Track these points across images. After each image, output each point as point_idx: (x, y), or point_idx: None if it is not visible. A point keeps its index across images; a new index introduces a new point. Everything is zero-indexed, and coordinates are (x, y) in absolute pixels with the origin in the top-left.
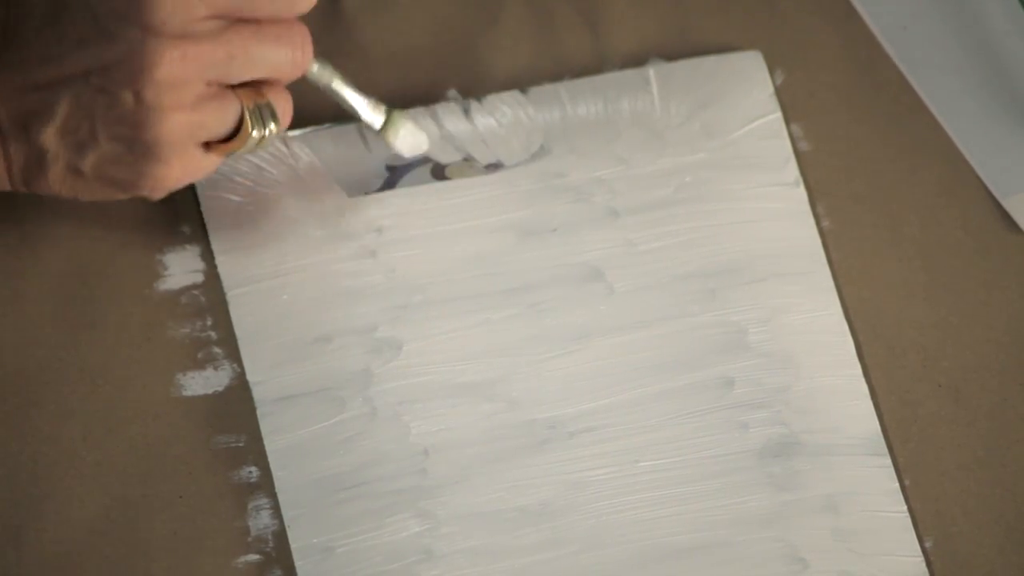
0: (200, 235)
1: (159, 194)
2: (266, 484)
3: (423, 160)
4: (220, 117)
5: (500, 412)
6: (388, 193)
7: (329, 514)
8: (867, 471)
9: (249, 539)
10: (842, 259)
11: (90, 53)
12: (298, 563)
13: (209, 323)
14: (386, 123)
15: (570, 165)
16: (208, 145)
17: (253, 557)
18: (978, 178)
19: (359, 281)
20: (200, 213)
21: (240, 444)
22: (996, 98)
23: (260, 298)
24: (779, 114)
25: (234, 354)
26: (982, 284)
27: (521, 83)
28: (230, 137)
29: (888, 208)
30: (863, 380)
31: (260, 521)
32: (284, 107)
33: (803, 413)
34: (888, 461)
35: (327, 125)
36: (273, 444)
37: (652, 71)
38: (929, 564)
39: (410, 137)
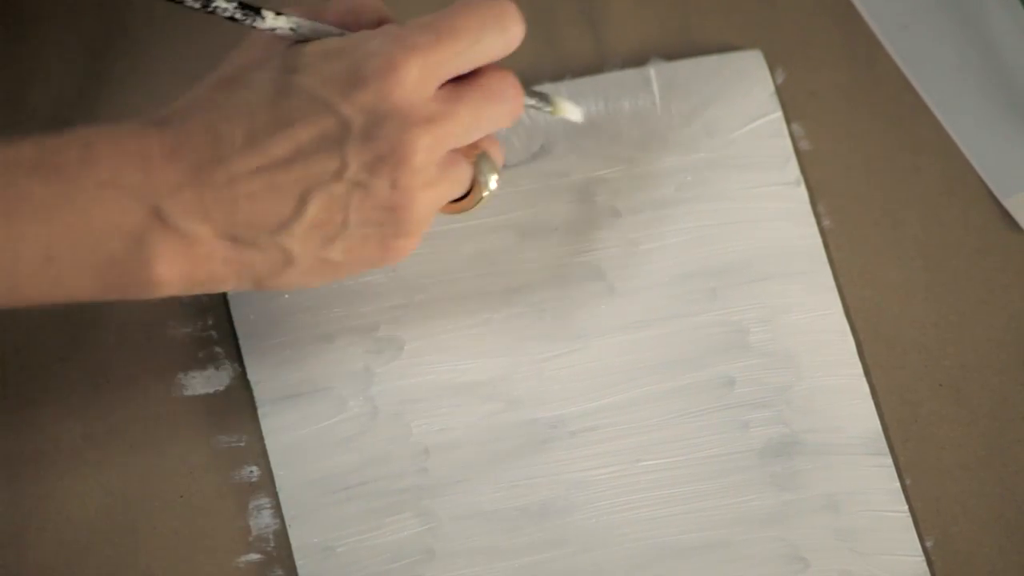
0: None
1: (397, 261)
2: (267, 483)
3: None
4: (458, 183)
5: (501, 412)
6: None
7: (330, 513)
8: (868, 470)
9: (250, 538)
10: (843, 258)
11: (347, 151)
12: (299, 562)
13: (210, 322)
14: (552, 106)
15: (571, 164)
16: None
17: (254, 556)
18: (979, 177)
19: (360, 280)
20: None
21: (241, 443)
22: (997, 97)
23: (261, 297)
24: (780, 113)
25: (235, 353)
26: (983, 284)
27: (522, 82)
28: (461, 197)
29: (889, 207)
30: (864, 379)
31: (261, 520)
32: (496, 154)
33: (804, 412)
34: (889, 460)
35: None
36: (274, 443)
37: (653, 71)
38: (930, 563)
39: (571, 108)
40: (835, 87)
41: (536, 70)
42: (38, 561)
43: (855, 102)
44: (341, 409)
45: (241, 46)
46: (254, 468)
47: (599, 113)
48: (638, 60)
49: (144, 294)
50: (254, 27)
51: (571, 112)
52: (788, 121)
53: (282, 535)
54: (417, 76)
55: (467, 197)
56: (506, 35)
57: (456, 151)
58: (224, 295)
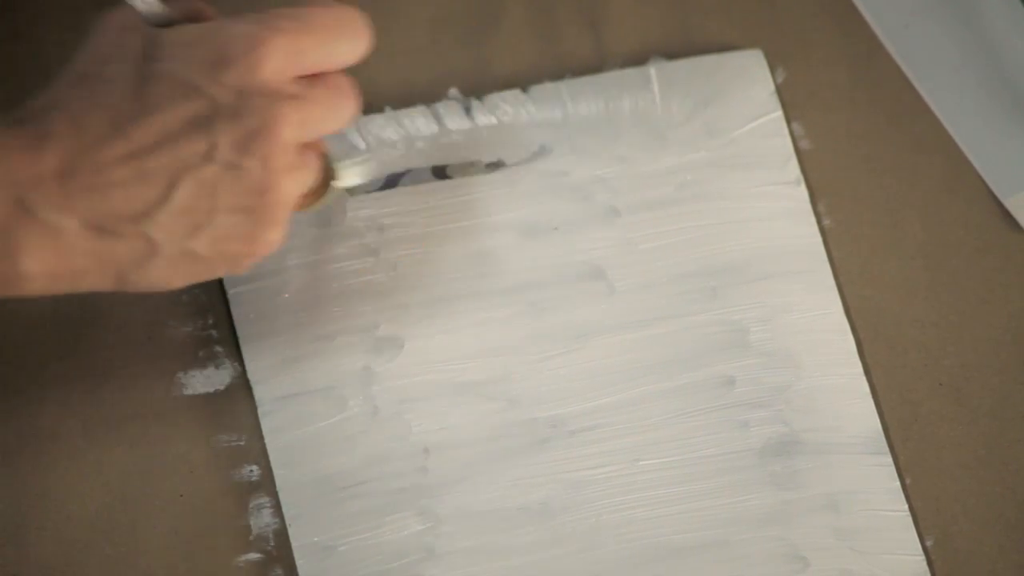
0: None
1: (254, 261)
2: (267, 483)
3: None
4: (313, 172)
5: (501, 411)
6: (389, 192)
7: (330, 513)
8: (868, 470)
9: (250, 537)
10: (843, 258)
11: (217, 130)
12: (299, 562)
13: (210, 322)
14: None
15: (571, 164)
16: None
17: (254, 555)
18: (979, 177)
19: (360, 279)
20: None
21: (241, 443)
22: (997, 97)
23: (261, 296)
24: (780, 113)
25: (235, 353)
26: (983, 283)
27: (522, 82)
28: (309, 192)
29: (889, 207)
30: (864, 379)
31: (261, 519)
32: (336, 154)
33: (804, 412)
34: (889, 460)
35: None
36: (274, 442)
37: (653, 70)
38: (930, 563)
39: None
40: (835, 86)
41: (536, 70)
42: (38, 559)
43: (855, 101)
44: (341, 408)
45: (90, 41)
46: (254, 467)
47: (599, 113)
48: (638, 59)
49: (11, 290)
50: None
51: (349, 178)
52: (788, 120)
53: (282, 534)
54: (282, 56)
55: (317, 190)
56: (358, 43)
57: (306, 144)
58: (225, 294)
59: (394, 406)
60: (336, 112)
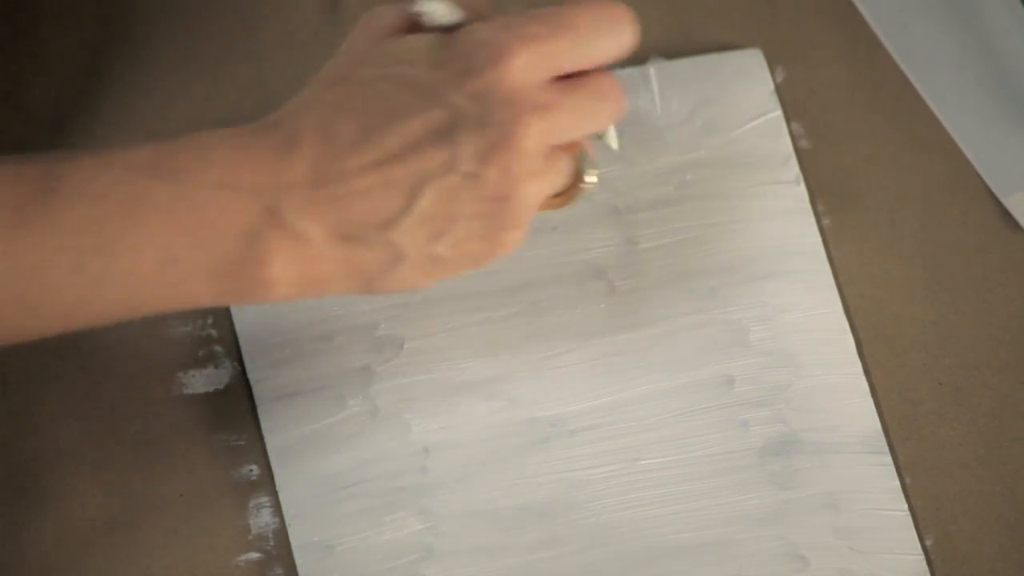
0: None
1: (492, 262)
2: (267, 482)
3: None
4: (562, 175)
5: (501, 410)
6: None
7: (330, 512)
8: (868, 469)
9: (250, 537)
10: (842, 257)
11: (458, 141)
12: (299, 561)
13: (210, 321)
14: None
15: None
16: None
17: (254, 555)
18: (978, 176)
19: None
20: None
21: (241, 442)
22: (996, 96)
23: None
24: (779, 112)
25: (235, 352)
26: (983, 282)
27: None
28: (561, 191)
29: (888, 206)
30: (863, 378)
31: (261, 519)
32: (591, 151)
33: (804, 411)
34: (888, 459)
35: None
36: (274, 442)
37: (652, 69)
38: (929, 562)
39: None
40: (835, 86)
41: None
42: (38, 559)
43: (855, 101)
44: (341, 408)
45: (344, 45)
46: (254, 467)
47: None
48: (638, 59)
49: (259, 296)
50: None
51: (613, 139)
52: (788, 120)
53: (282, 534)
54: (527, 64)
55: (567, 192)
56: (618, 39)
57: (557, 146)
58: None
59: (394, 406)
60: (591, 116)
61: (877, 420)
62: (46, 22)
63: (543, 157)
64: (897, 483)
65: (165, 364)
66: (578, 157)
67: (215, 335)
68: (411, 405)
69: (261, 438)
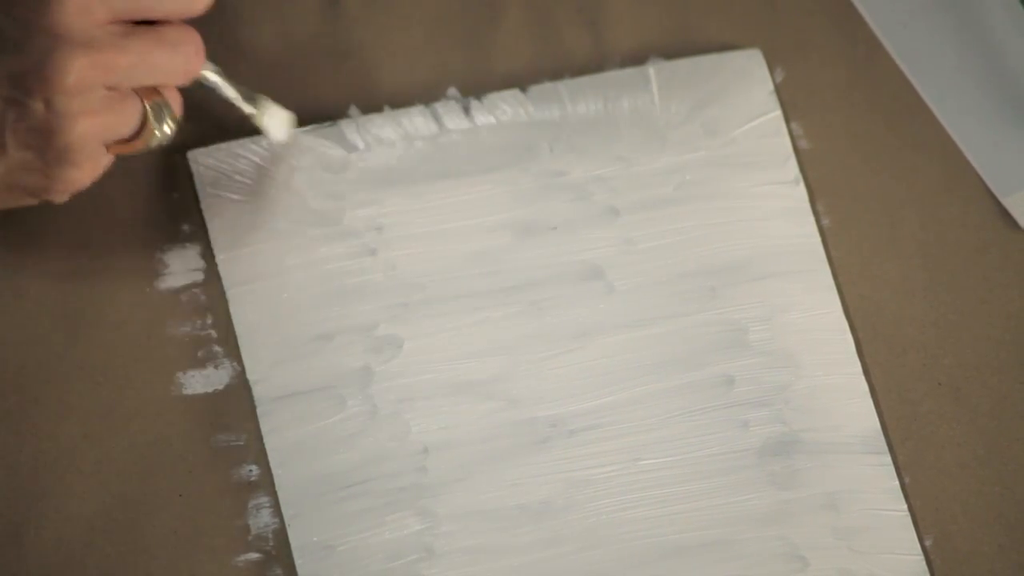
0: (200, 234)
1: (65, 197)
2: (266, 482)
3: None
4: (126, 119)
5: (500, 410)
6: (389, 191)
7: (329, 512)
8: (867, 469)
9: (249, 537)
10: (842, 257)
11: None
12: (298, 561)
13: (209, 321)
14: (258, 112)
15: (570, 163)
16: (109, 145)
17: (253, 555)
18: (978, 176)
19: (359, 279)
20: (200, 211)
21: (240, 442)
22: (996, 96)
23: (260, 296)
24: (779, 112)
25: (234, 352)
26: (982, 282)
27: (521, 82)
28: (132, 137)
29: (888, 206)
30: (863, 378)
31: (260, 519)
32: (176, 105)
33: (803, 411)
34: (888, 459)
35: (327, 124)
36: (273, 442)
37: (652, 69)
38: (929, 562)
39: (277, 121)
40: (834, 86)
41: (535, 70)
42: (37, 560)
43: (854, 101)
44: (340, 408)
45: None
46: (253, 467)
47: (598, 112)
48: (638, 59)
49: None
50: None
51: (275, 128)
52: (787, 120)
53: (281, 534)
54: (81, 1)
55: (138, 138)
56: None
57: (130, 90)
58: (224, 293)
59: (393, 405)
60: (158, 65)
61: (876, 420)
62: None
63: (99, 98)
64: (896, 483)
65: (164, 364)
66: (156, 105)
67: (214, 335)
68: (411, 405)
69: (260, 438)
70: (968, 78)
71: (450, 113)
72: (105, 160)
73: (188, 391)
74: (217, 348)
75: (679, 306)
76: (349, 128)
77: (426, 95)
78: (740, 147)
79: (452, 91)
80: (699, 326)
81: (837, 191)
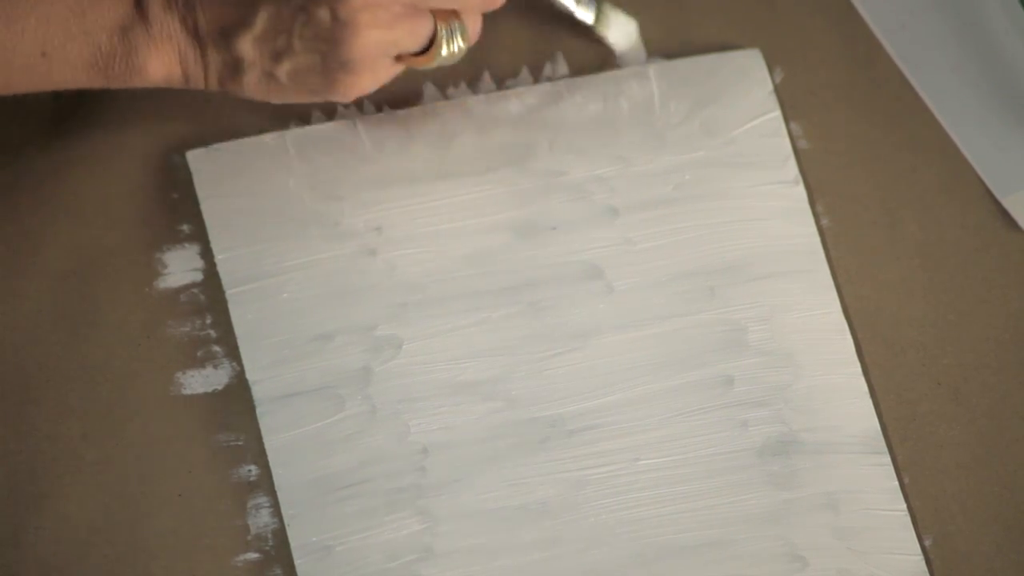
0: (200, 234)
1: (348, 99)
2: (265, 482)
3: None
4: (413, 36)
5: (500, 410)
6: (389, 192)
7: (329, 512)
8: (866, 469)
9: (248, 537)
10: (841, 257)
11: None
12: (298, 561)
13: (208, 321)
14: (598, 17)
15: (570, 163)
16: (399, 57)
17: (252, 555)
18: (977, 176)
19: (359, 279)
20: (200, 212)
21: (239, 442)
22: (995, 96)
23: (260, 296)
24: (778, 112)
25: (233, 352)
26: (981, 282)
27: (521, 81)
28: (419, 52)
29: (887, 206)
30: (862, 378)
31: (259, 519)
32: (474, 28)
33: (803, 411)
34: (887, 459)
35: (326, 123)
36: (272, 442)
37: (652, 69)
38: (928, 562)
39: (622, 27)
40: (834, 86)
41: (535, 69)
42: (37, 560)
43: (854, 101)
44: (339, 408)
45: None
46: (252, 467)
47: (598, 112)
48: (638, 59)
49: (132, 82)
50: None
51: (617, 37)
52: (787, 120)
53: (281, 534)
54: None
55: (426, 54)
56: None
57: (425, 9)
58: (223, 294)
59: (392, 406)
60: None
61: (876, 420)
62: None
63: (389, 13)
64: (896, 483)
65: (163, 364)
66: (450, 26)
67: (214, 335)
68: (410, 405)
69: (260, 438)
70: (967, 78)
71: (451, 113)
72: (391, 71)
73: (187, 391)
74: (216, 348)
75: (678, 306)
76: (349, 128)
77: (426, 95)
78: (739, 147)
79: (452, 91)
80: (698, 326)
81: (836, 191)
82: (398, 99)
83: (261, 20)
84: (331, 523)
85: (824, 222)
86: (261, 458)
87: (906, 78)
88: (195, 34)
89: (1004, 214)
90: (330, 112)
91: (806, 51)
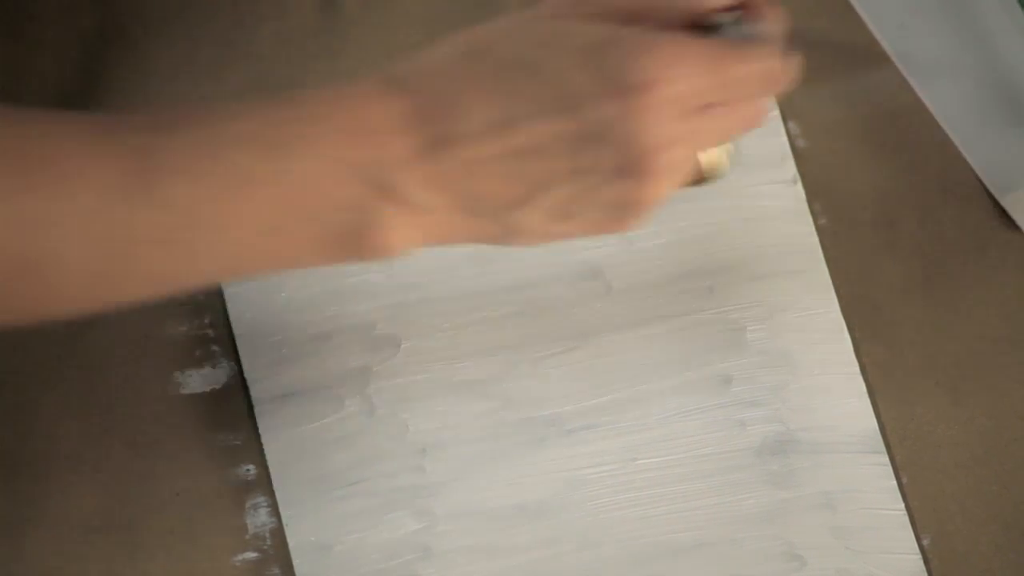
0: None
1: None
2: (264, 482)
3: None
4: (690, 175)
5: (498, 410)
6: None
7: (327, 512)
8: (865, 469)
9: (247, 537)
10: (839, 257)
11: (596, 155)
12: (296, 561)
13: (207, 321)
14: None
15: None
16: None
17: (251, 555)
18: (975, 175)
19: (357, 279)
20: None
21: (238, 442)
22: (993, 95)
23: (258, 296)
24: (776, 111)
25: (232, 352)
26: (980, 282)
27: None
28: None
29: (885, 205)
30: (860, 378)
31: (258, 519)
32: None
33: (801, 411)
34: (885, 459)
35: None
36: (271, 442)
37: None
38: (927, 561)
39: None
40: (832, 85)
41: None
42: (35, 559)
43: (852, 100)
44: (338, 407)
45: (503, 17)
46: (251, 466)
47: None
48: None
49: (373, 258)
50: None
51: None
52: (784, 119)
53: (279, 533)
54: (674, 97)
55: (693, 181)
56: (768, 92)
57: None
58: (222, 293)
59: (391, 405)
60: (731, 132)
61: (874, 419)
62: (45, 23)
63: (671, 163)
64: (894, 482)
65: (162, 364)
66: (717, 153)
67: (212, 335)
68: (408, 405)
69: (258, 438)
70: (966, 78)
71: None
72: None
73: (186, 390)
74: (215, 347)
75: (677, 305)
76: None
77: None
78: (738, 146)
79: None
80: (696, 325)
81: (835, 190)
82: None
83: (548, 199)
84: (329, 522)
85: (822, 221)
86: (259, 457)
87: (905, 78)
88: (462, 208)
89: (1002, 213)
90: None
91: (805, 51)
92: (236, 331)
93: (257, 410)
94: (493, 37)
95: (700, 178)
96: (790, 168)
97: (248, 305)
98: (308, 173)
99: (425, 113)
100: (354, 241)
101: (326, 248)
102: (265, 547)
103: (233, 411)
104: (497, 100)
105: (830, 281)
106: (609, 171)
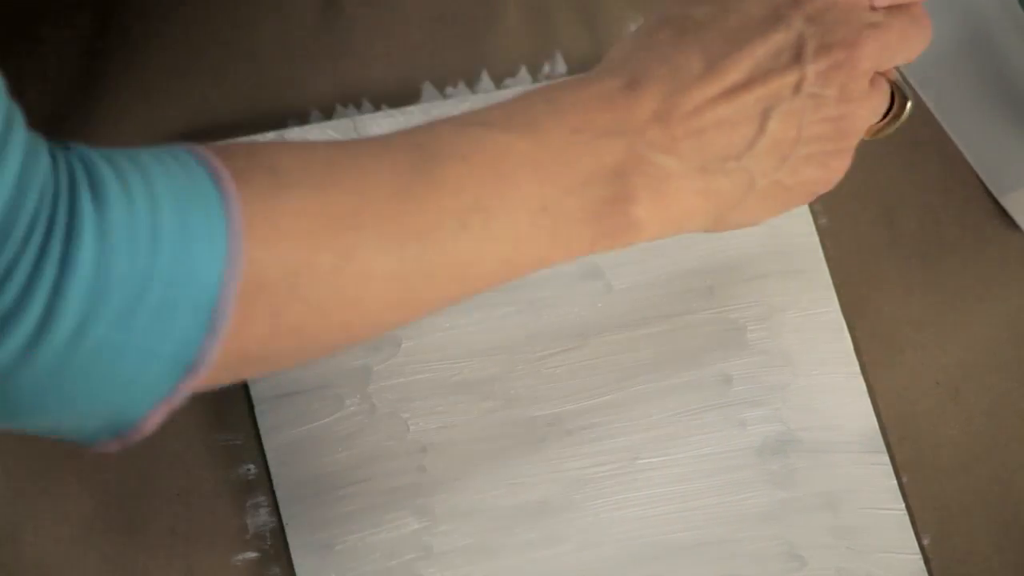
0: None
1: (831, 187)
2: (264, 481)
3: None
4: (884, 99)
5: (498, 409)
6: None
7: (327, 511)
8: (865, 468)
9: (247, 536)
10: (839, 256)
11: (804, 62)
12: (296, 560)
13: None
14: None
15: None
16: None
17: (251, 554)
18: (975, 175)
19: None
20: None
21: (238, 441)
22: (994, 95)
23: None
24: None
25: None
26: (980, 281)
27: (520, 81)
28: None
29: (885, 205)
30: (860, 377)
31: (258, 518)
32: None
33: (801, 410)
34: (886, 458)
35: (324, 123)
36: (271, 441)
37: None
38: (927, 561)
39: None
40: None
41: (534, 69)
42: (35, 559)
43: None
44: (339, 407)
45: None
46: (251, 466)
47: None
48: None
49: (630, 238)
50: None
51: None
52: None
53: (279, 533)
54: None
55: (885, 119)
56: (923, 34)
57: (877, 72)
58: None
59: (391, 405)
60: (911, 41)
61: (874, 419)
62: (45, 22)
63: (870, 80)
64: (894, 482)
65: None
66: (897, 83)
67: None
68: (409, 404)
69: (259, 437)
70: (966, 77)
71: (448, 112)
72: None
73: None
74: None
75: (677, 305)
76: (347, 127)
77: (424, 95)
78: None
79: (450, 90)
80: (697, 325)
81: (834, 190)
82: (397, 99)
83: (774, 124)
84: (330, 522)
85: (822, 221)
86: (260, 457)
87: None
88: (698, 167)
89: (1002, 212)
90: (328, 112)
91: None
92: None
93: (257, 409)
94: (676, 7)
95: (897, 113)
96: None
97: None
98: (562, 143)
99: (646, 79)
100: (611, 219)
101: (593, 224)
102: (265, 547)
103: (233, 410)
104: (704, 48)
105: (830, 281)
106: (824, 72)
